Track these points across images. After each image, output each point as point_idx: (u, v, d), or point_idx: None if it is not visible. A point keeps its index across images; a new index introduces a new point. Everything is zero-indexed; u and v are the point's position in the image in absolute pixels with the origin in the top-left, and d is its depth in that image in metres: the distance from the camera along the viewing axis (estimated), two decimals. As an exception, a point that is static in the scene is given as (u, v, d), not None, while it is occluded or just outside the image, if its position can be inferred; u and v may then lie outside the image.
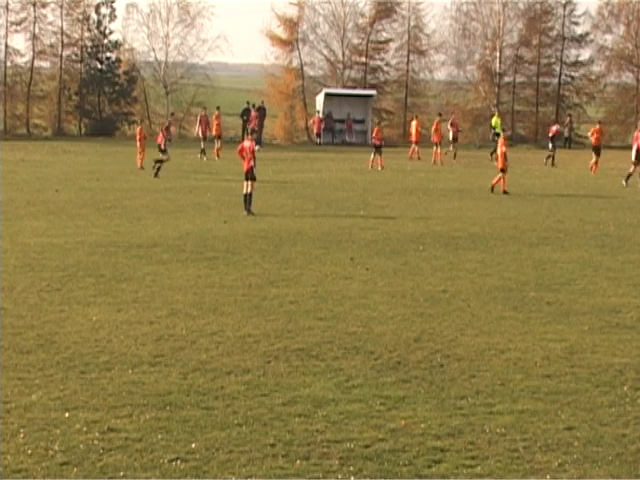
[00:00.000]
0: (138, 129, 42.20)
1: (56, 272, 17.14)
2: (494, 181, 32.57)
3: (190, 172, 38.38)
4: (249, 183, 25.47)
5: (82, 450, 8.83)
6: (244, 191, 25.68)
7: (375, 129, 44.46)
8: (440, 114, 52.97)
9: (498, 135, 50.28)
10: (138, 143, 40.63)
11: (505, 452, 8.99)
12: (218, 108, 48.85)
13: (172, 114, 55.61)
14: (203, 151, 45.74)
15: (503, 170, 32.18)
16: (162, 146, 37.60)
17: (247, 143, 26.01)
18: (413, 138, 49.44)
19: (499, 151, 32.89)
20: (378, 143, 42.60)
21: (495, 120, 52.52)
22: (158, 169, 36.51)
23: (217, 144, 46.31)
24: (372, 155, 42.67)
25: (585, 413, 10.11)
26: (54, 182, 33.10)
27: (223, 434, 9.28)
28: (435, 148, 46.73)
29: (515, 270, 18.26)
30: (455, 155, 49.77)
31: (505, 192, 31.85)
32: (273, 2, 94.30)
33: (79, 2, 65.07)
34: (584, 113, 68.15)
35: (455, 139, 51.90)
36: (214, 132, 46.84)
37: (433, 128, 48.46)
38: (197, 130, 47.48)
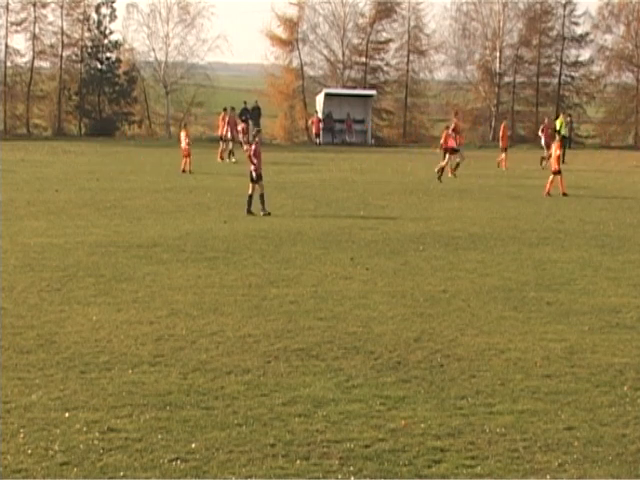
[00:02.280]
0: (185, 133, 39.79)
1: (56, 272, 17.14)
2: (560, 186, 31.96)
3: (190, 172, 38.32)
4: (250, 185, 25.57)
5: (82, 450, 8.83)
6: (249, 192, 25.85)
7: (444, 133, 41.53)
8: (506, 118, 51.52)
9: (564, 137, 50.03)
10: (187, 146, 38.54)
11: (505, 452, 8.98)
12: (228, 109, 48.07)
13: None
14: (232, 152, 44.69)
15: (558, 172, 31.91)
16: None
17: (253, 146, 26.11)
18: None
19: (553, 153, 32.42)
20: (448, 148, 40.10)
21: (560, 122, 51.46)
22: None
23: (222, 145, 45.60)
24: (452, 161, 40.14)
25: (585, 413, 10.10)
26: (54, 182, 33.10)
27: (223, 434, 9.28)
28: (502, 153, 44.76)
29: (515, 270, 18.26)
30: (542, 161, 44.77)
31: (565, 194, 31.53)
32: (273, 2, 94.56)
33: (79, 2, 65.06)
34: (584, 113, 68.12)
35: (548, 145, 45.89)
36: (221, 132, 46.01)
37: (500, 133, 45.94)
38: (224, 131, 45.82)
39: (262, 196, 25.58)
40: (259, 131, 30.02)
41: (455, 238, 22.03)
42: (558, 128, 51.11)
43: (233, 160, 44.00)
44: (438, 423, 9.69)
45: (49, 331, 13.07)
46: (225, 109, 47.67)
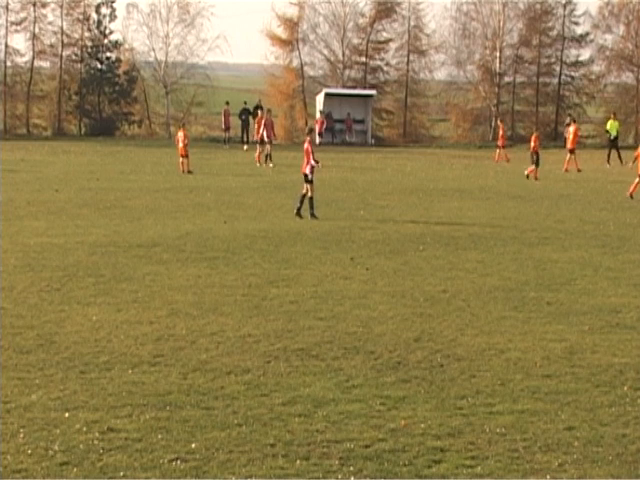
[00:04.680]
0: (184, 133, 39.12)
1: (56, 272, 17.14)
2: (631, 188, 31.29)
3: (189, 172, 38.31)
4: (305, 186, 25.13)
5: (82, 450, 8.83)
6: (303, 192, 25.29)
7: (534, 136, 40.30)
8: (574, 119, 49.84)
9: (614, 140, 49.37)
10: (184, 146, 38.18)
11: (505, 452, 8.98)
12: (267, 110, 45.65)
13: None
14: (268, 156, 43.02)
15: None
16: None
17: (308, 145, 25.45)
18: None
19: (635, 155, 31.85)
20: (537, 152, 39.11)
21: (611, 123, 49.64)
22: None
23: (259, 148, 43.56)
24: (532, 166, 38.98)
25: (585, 413, 10.10)
26: (54, 182, 33.11)
27: (223, 434, 9.28)
28: (569, 155, 43.89)
29: (515, 270, 18.26)
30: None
31: (631, 196, 31.00)
32: (273, 2, 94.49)
33: (79, 2, 65.09)
34: (584, 113, 68.15)
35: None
36: (258, 135, 44.04)
37: (572, 135, 44.54)
38: (259, 134, 43.99)
39: (312, 199, 25.03)
40: (312, 130, 28.32)
41: (455, 238, 22.03)
42: (608, 129, 50.32)
43: (271, 165, 42.25)
44: (438, 423, 9.69)
45: (49, 331, 13.07)
46: (262, 108, 45.82)
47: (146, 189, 31.57)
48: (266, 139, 43.32)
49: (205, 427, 9.46)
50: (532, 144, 39.77)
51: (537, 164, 38.91)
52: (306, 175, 25.28)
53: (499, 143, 49.65)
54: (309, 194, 25.19)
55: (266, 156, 43.34)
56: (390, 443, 9.13)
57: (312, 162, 25.15)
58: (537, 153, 39.08)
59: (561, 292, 16.28)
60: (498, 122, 52.18)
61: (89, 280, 16.53)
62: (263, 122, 43.77)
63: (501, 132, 49.90)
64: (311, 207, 25.11)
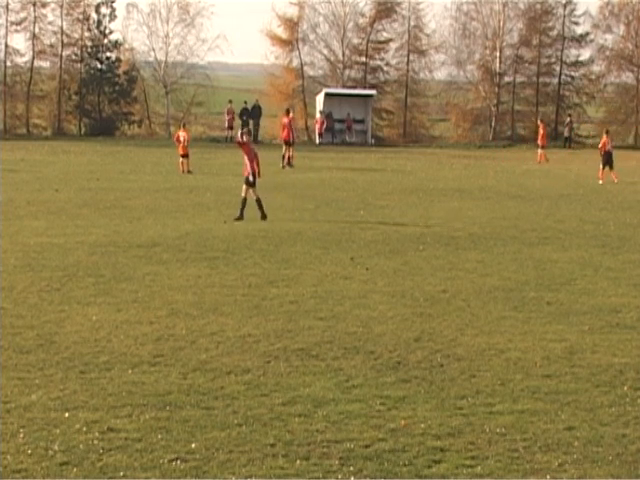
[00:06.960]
0: (185, 133, 39.00)
1: (56, 272, 17.13)
2: None
3: (189, 172, 38.31)
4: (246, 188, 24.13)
5: (82, 450, 8.83)
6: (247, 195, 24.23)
7: (604, 138, 39.12)
8: None
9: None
10: (185, 145, 38.02)
11: (505, 452, 8.98)
12: (288, 111, 44.79)
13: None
14: (288, 158, 41.97)
15: None
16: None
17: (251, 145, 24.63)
18: None
19: None
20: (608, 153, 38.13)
21: None
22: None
23: (289, 151, 42.40)
24: (602, 167, 38.16)
25: (585, 413, 10.10)
26: (54, 182, 33.10)
27: (223, 434, 9.27)
28: None
29: (515, 270, 18.25)
30: None
31: None
32: (273, 2, 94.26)
33: (79, 2, 65.13)
34: (584, 113, 68.20)
35: None
36: (286, 137, 42.92)
37: None
38: (290, 135, 43.10)
39: (245, 200, 23.94)
40: (250, 131, 26.80)
41: (455, 238, 22.03)
42: None
43: (281, 166, 41.15)
44: (438, 423, 9.69)
45: (49, 331, 13.06)
46: (288, 110, 44.87)
47: (146, 189, 31.57)
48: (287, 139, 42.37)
49: (205, 427, 9.45)
50: (605, 145, 38.35)
51: (606, 165, 37.87)
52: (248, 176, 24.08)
53: (540, 143, 49.60)
54: (252, 196, 24.00)
55: (283, 157, 42.41)
56: (390, 443, 9.13)
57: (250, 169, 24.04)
58: (608, 153, 37.92)
59: (561, 292, 16.28)
60: (539, 122, 52.04)
61: (89, 280, 16.52)
62: (288, 122, 43.00)
63: (542, 132, 49.91)
64: (243, 207, 23.96)
